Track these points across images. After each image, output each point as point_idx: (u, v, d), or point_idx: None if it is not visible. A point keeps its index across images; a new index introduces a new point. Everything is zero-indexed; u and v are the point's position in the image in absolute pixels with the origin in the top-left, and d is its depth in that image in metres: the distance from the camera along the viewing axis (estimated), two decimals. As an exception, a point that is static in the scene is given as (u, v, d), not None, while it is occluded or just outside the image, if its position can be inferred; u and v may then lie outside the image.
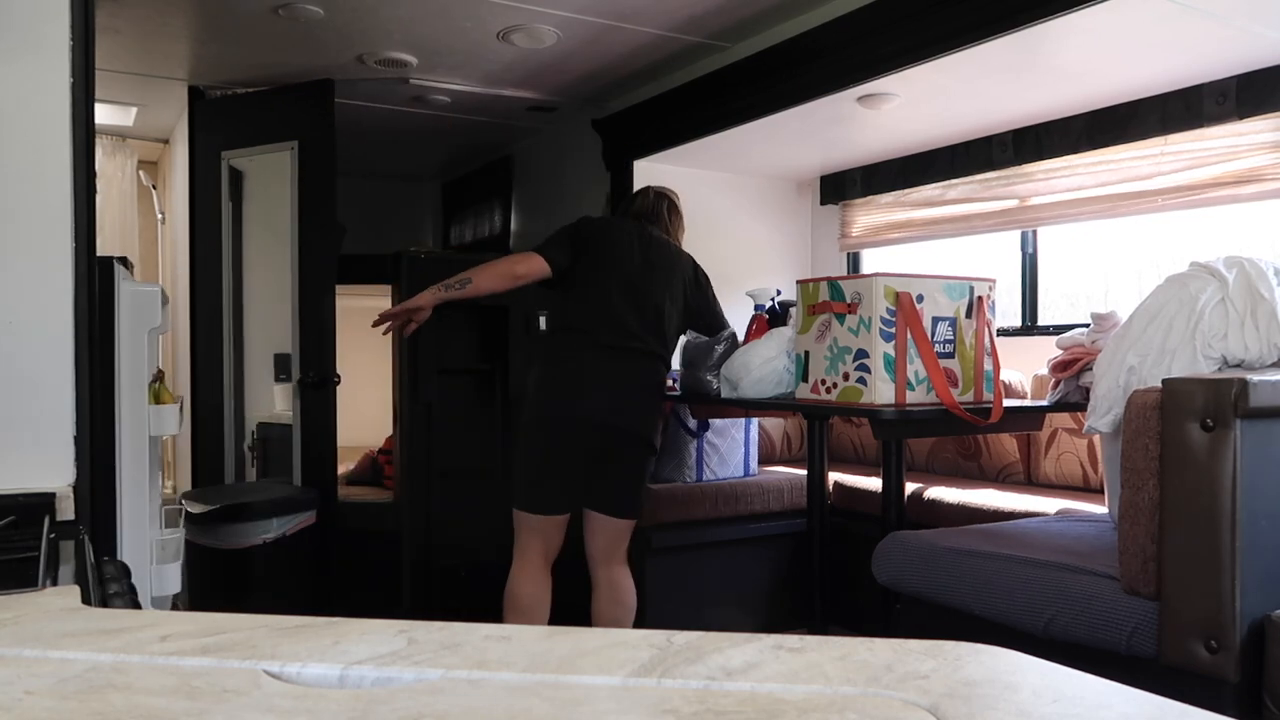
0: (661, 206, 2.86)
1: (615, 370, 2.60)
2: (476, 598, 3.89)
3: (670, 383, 2.87)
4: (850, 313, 2.34)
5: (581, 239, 2.71)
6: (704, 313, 2.81)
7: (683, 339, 2.85)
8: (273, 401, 3.80)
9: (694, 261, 2.84)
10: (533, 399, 2.65)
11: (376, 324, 2.70)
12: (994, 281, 2.48)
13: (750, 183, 4.35)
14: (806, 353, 2.46)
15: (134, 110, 4.39)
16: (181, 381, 4.22)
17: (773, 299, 3.00)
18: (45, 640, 0.70)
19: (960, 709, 0.55)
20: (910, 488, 3.04)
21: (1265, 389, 1.55)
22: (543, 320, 3.86)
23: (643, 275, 2.68)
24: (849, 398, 2.34)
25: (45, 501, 1.21)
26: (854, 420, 3.92)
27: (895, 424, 2.34)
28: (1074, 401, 2.46)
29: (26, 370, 1.27)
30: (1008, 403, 2.66)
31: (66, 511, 1.23)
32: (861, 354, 2.30)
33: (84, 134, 1.31)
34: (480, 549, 3.91)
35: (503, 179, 5.14)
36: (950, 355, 2.37)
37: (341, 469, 3.95)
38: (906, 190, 3.97)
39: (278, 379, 3.73)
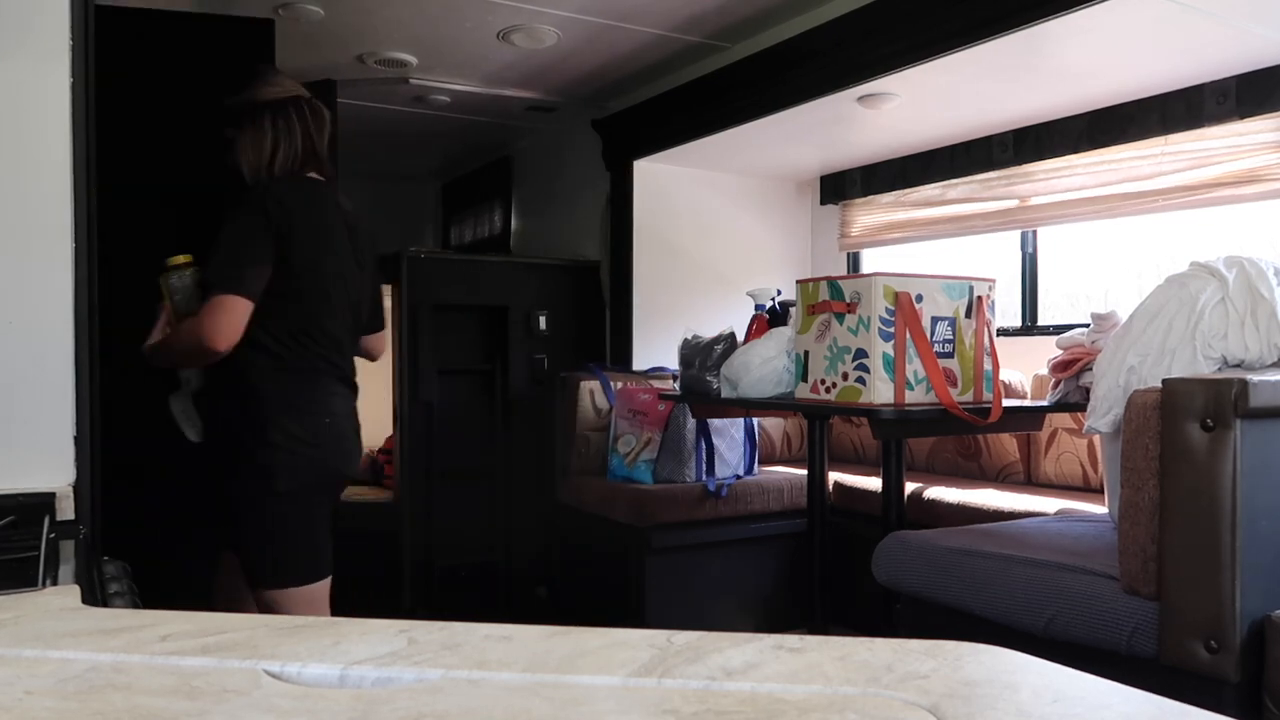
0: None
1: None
2: (476, 598, 3.89)
3: (670, 382, 2.85)
4: (850, 312, 2.34)
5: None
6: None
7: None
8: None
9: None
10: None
11: None
12: (994, 281, 2.48)
13: (750, 183, 4.35)
14: (806, 352, 2.46)
15: (134, 110, 4.39)
16: (181, 381, 4.21)
17: (773, 299, 2.99)
18: (45, 640, 0.70)
19: (960, 709, 0.55)
20: (910, 488, 3.04)
21: (1265, 389, 1.55)
22: (543, 320, 3.86)
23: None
24: (848, 397, 2.34)
25: (45, 501, 1.20)
26: (854, 420, 3.92)
27: (894, 424, 2.34)
28: (1074, 401, 2.46)
29: (27, 370, 1.27)
30: (1007, 403, 2.66)
31: (66, 511, 1.22)
32: (861, 354, 2.30)
33: (84, 134, 1.31)
34: (480, 549, 3.92)
35: (503, 179, 5.14)
36: (950, 355, 2.37)
37: (341, 469, 3.94)
38: (906, 190, 3.97)
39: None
